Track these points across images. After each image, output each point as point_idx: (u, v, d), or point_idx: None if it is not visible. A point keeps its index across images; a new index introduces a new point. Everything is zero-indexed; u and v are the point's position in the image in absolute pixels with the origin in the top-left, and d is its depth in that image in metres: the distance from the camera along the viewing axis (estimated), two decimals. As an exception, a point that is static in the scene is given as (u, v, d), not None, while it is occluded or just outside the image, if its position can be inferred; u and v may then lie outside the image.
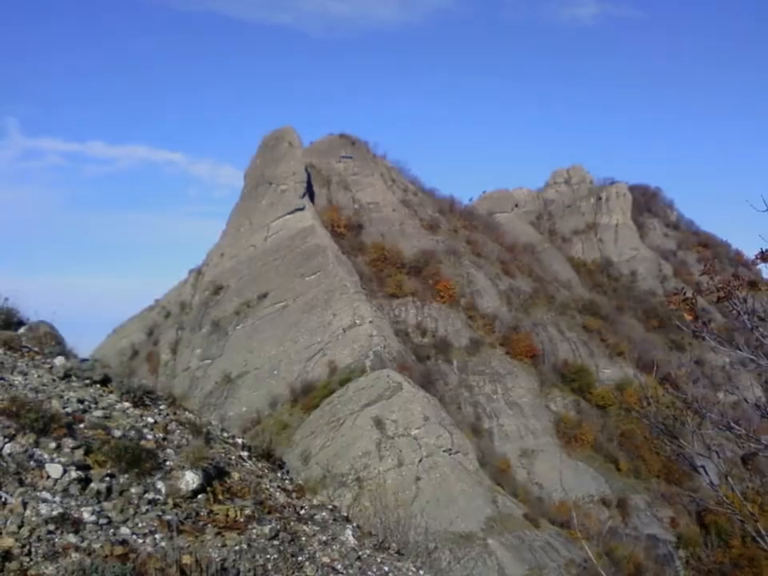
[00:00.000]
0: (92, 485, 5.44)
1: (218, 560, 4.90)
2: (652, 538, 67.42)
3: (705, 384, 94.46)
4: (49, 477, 5.20)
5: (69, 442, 5.86)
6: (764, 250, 5.26)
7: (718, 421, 5.86)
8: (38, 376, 7.59)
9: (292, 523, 6.65)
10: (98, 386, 8.04)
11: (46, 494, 5.00)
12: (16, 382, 7.16)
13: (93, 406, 7.22)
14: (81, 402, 7.15)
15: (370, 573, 6.35)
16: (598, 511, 68.21)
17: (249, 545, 5.69)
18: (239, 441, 9.07)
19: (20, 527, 4.49)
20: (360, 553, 6.70)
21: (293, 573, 5.58)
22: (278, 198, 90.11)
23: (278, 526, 6.27)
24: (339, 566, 6.13)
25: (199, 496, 6.13)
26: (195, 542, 5.31)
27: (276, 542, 5.96)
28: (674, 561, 63.62)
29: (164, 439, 7.11)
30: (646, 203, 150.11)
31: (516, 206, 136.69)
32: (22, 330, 9.59)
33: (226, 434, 9.16)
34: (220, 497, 6.36)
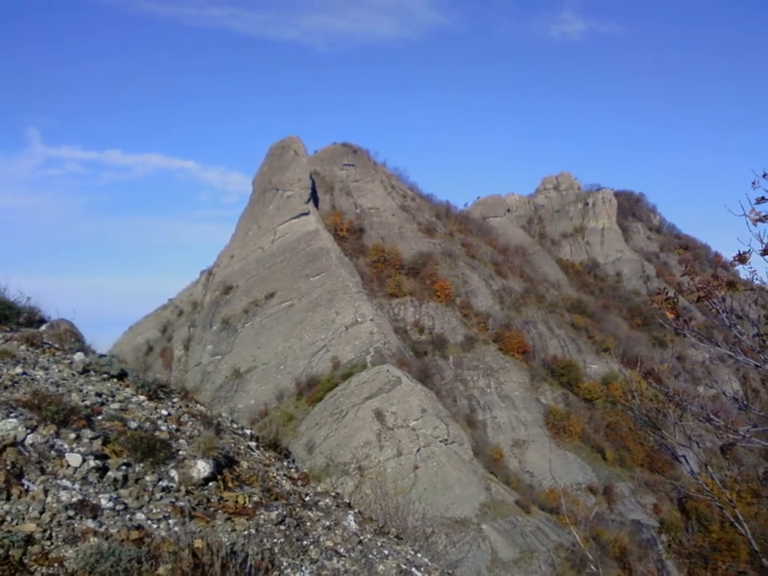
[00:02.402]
0: (109, 473, 5.44)
1: (228, 544, 4.90)
2: (636, 523, 67.40)
3: (686, 378, 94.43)
4: (69, 465, 5.20)
5: (87, 433, 5.86)
6: (741, 252, 5.25)
7: (698, 413, 5.86)
8: (59, 371, 7.59)
9: (297, 509, 6.64)
10: (115, 380, 8.04)
11: (66, 482, 5.00)
12: (38, 377, 7.16)
13: (110, 399, 7.22)
14: (99, 395, 7.15)
15: (370, 556, 6.34)
16: (585, 498, 68.17)
17: (257, 530, 5.69)
18: (248, 432, 9.06)
19: (41, 513, 4.49)
20: (361, 537, 6.69)
21: (298, 556, 5.58)
22: (284, 203, 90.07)
23: (285, 512, 6.27)
24: (342, 550, 6.12)
25: (210, 484, 6.13)
26: (206, 527, 5.31)
27: (282, 527, 5.96)
28: (657, 544, 63.62)
29: (177, 430, 7.11)
30: (631, 208, 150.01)
31: (508, 210, 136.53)
32: (43, 328, 9.58)
33: (235, 426, 9.16)
34: (230, 484, 6.35)
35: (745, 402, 5.64)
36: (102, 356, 8.91)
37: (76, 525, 4.52)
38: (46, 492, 4.72)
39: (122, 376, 8.18)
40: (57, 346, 8.70)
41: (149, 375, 8.65)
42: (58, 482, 4.95)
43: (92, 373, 7.92)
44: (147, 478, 5.69)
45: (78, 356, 8.35)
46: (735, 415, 6.10)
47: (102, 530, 4.58)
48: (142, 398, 7.73)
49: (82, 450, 5.54)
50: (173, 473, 5.94)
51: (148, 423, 6.85)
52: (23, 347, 8.11)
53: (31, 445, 5.28)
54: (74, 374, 7.63)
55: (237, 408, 62.92)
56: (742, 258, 5.25)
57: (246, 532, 5.52)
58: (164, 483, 5.73)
